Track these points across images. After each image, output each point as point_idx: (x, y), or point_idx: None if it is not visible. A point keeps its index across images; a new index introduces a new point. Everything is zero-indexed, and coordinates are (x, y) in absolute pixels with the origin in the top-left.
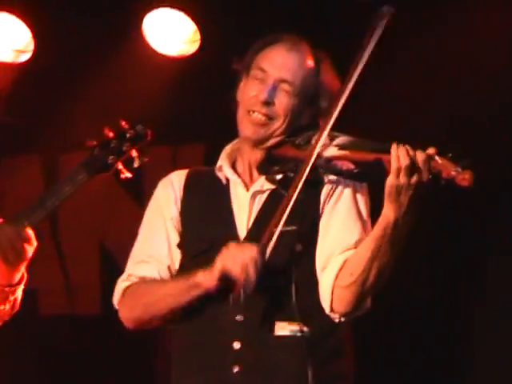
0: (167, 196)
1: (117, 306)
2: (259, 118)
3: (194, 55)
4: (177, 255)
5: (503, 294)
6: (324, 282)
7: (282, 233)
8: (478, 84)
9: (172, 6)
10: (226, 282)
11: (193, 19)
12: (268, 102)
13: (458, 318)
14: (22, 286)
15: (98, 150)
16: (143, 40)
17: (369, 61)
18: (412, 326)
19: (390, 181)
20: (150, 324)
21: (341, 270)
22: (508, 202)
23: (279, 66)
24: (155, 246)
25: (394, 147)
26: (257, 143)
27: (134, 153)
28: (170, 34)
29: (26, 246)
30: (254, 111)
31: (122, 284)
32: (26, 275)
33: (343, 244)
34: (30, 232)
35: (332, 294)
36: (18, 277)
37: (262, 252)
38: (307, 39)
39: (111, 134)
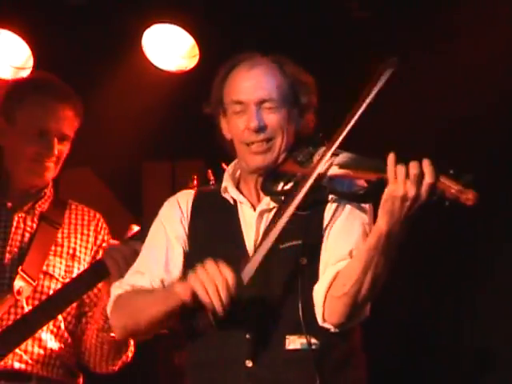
0: (173, 215)
1: (109, 315)
2: (260, 146)
3: (192, 70)
4: (174, 271)
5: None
6: (317, 292)
7: (286, 248)
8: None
9: (171, 22)
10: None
11: (191, 34)
12: (260, 128)
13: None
14: None
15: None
16: (142, 55)
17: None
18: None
19: (389, 188)
20: (134, 333)
21: (334, 280)
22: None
23: (251, 89)
24: (152, 260)
25: (391, 159)
26: (269, 168)
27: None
28: (169, 49)
29: None
30: (252, 142)
31: (114, 291)
32: None
33: (337, 254)
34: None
35: (324, 304)
36: None
37: (241, 277)
38: (305, 54)
39: (212, 177)
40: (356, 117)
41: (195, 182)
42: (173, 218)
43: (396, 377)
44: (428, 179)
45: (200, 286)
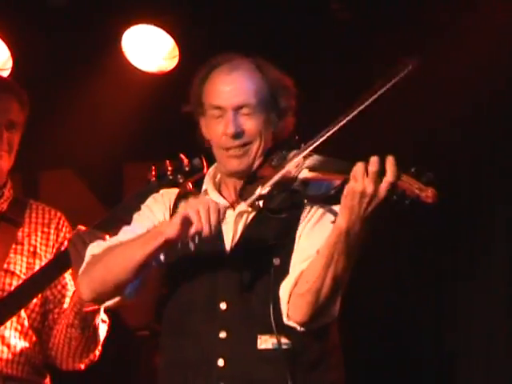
0: (158, 206)
1: (80, 276)
2: (237, 151)
3: (173, 71)
4: None
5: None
6: (283, 289)
7: (261, 249)
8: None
9: (151, 23)
10: (187, 230)
11: (171, 35)
12: (238, 133)
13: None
14: (102, 315)
15: (154, 181)
16: (122, 56)
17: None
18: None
19: (349, 184)
20: (103, 292)
21: (299, 278)
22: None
23: (229, 94)
24: (134, 230)
25: (358, 164)
26: (245, 172)
27: (189, 185)
28: (149, 50)
29: None
30: (229, 147)
31: (89, 251)
32: None
33: (305, 253)
34: (107, 238)
35: (289, 301)
36: None
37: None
38: (288, 55)
39: (170, 168)
40: (340, 124)
41: (153, 173)
42: (157, 210)
43: (376, 378)
44: (388, 177)
45: (191, 208)
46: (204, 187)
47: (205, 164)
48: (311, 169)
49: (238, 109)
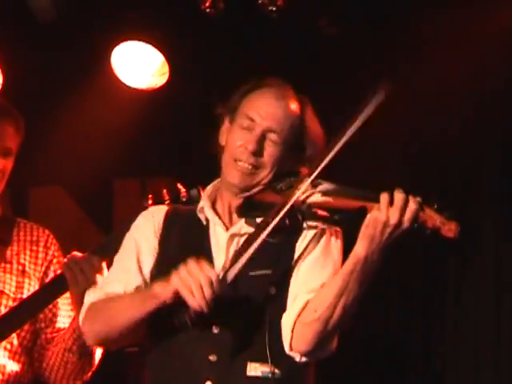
0: (148, 226)
1: (80, 322)
2: (246, 167)
3: (162, 88)
4: (147, 279)
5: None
6: (286, 319)
7: (256, 276)
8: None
9: (140, 39)
10: (180, 298)
11: (161, 52)
12: (256, 153)
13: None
14: None
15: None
16: (112, 73)
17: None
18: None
19: (372, 213)
20: (108, 340)
21: (304, 308)
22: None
23: (267, 115)
24: (125, 269)
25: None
26: (242, 191)
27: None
28: (139, 66)
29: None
30: (240, 160)
31: (87, 299)
32: None
33: (309, 286)
34: (103, 264)
35: (292, 331)
36: None
37: (223, 278)
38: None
39: (167, 197)
40: (340, 145)
41: (150, 201)
42: (146, 231)
43: None
44: (412, 206)
45: (183, 285)
46: (201, 204)
47: (202, 195)
48: (323, 193)
49: (267, 132)
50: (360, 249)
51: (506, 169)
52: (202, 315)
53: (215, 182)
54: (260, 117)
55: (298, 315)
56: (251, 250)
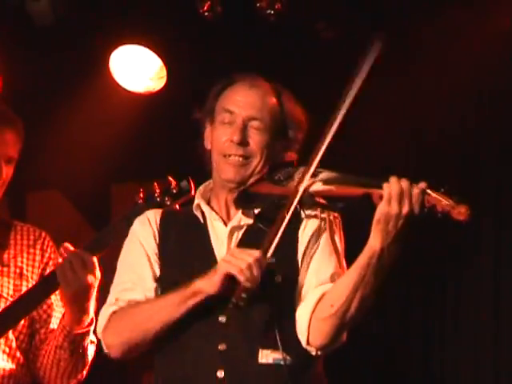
0: (146, 231)
1: (100, 334)
2: (237, 160)
3: (160, 92)
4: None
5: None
6: (301, 315)
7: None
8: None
9: (138, 43)
10: (227, 285)
11: (159, 56)
12: (242, 143)
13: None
14: (91, 337)
15: (142, 203)
16: (110, 77)
17: (358, 94)
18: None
19: (381, 208)
20: (137, 347)
21: (318, 302)
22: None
23: (245, 104)
24: (139, 275)
25: (389, 180)
26: (239, 185)
27: (177, 207)
28: (137, 70)
29: (89, 275)
30: (229, 155)
31: (108, 309)
32: (95, 320)
33: (319, 278)
34: (94, 261)
35: (309, 327)
36: (87, 320)
37: (265, 254)
38: (273, 78)
39: (157, 190)
40: (341, 115)
41: (141, 195)
42: (146, 234)
43: None
44: (416, 190)
45: (233, 266)
46: (196, 202)
47: (192, 186)
48: (325, 182)
49: (248, 120)
50: (375, 242)
51: (506, 169)
52: (250, 293)
53: (206, 183)
54: (238, 107)
55: (313, 310)
56: (274, 244)
